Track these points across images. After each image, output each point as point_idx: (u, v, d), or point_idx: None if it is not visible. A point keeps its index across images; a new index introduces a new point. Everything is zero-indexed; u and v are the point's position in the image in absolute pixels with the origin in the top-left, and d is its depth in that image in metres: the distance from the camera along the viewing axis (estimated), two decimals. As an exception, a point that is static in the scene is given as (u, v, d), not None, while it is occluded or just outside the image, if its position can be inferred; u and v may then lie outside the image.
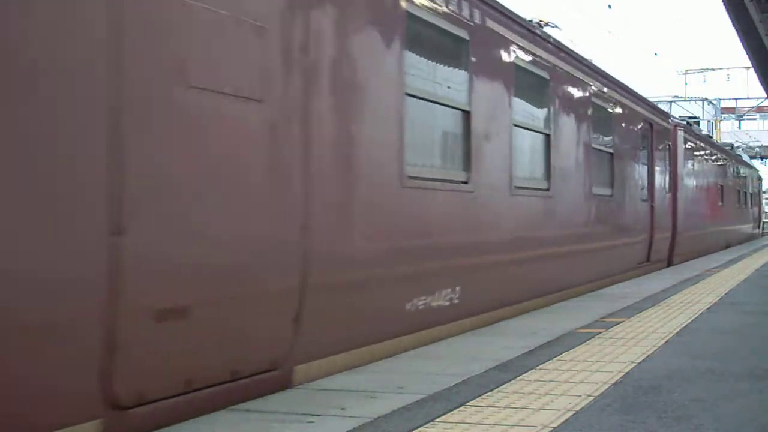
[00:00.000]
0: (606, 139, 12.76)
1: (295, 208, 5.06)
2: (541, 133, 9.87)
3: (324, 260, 5.35)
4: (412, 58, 6.76)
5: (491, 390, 4.81)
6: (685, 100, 52.22)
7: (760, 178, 40.72)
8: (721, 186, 25.67)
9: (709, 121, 53.79)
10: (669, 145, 17.82)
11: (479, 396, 4.66)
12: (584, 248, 11.40)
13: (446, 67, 7.61)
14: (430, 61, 7.24)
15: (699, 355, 5.95)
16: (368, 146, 6.03)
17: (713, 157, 24.24)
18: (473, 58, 7.82)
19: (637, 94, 15.42)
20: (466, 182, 7.65)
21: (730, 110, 58.79)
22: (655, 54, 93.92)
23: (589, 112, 11.74)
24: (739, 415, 4.19)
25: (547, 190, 9.88)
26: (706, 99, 56.09)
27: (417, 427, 3.99)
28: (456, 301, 7.33)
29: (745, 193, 32.66)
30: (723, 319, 7.96)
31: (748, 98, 56.18)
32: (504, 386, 4.91)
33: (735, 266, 16.18)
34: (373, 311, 6.10)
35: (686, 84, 57.93)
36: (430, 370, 5.43)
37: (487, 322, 7.86)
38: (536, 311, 8.93)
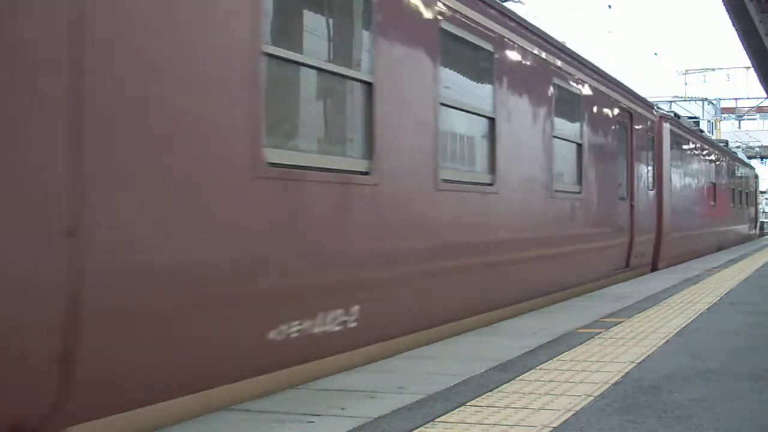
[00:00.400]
0: (572, 127, 11.16)
1: (53, 207, 3.65)
2: (482, 116, 8.27)
3: (113, 277, 3.91)
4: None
5: (491, 390, 4.81)
6: (685, 100, 52.23)
7: (756, 177, 38.96)
8: (714, 184, 23.91)
9: (709, 121, 53.80)
10: (653, 138, 16.31)
11: (479, 396, 4.66)
12: (541, 254, 9.68)
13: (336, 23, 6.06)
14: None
15: (699, 355, 5.94)
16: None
17: (705, 153, 22.73)
18: (378, 17, 6.22)
19: (615, 79, 13.76)
20: (367, 173, 6.03)
21: (730, 110, 58.81)
22: (655, 54, 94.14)
23: (550, 94, 10.11)
24: (739, 415, 4.19)
25: (491, 185, 8.29)
26: (706, 99, 56.12)
27: (417, 427, 3.99)
28: (352, 325, 5.78)
29: (741, 192, 30.82)
30: (723, 319, 7.96)
31: (748, 98, 56.21)
32: (504, 386, 4.91)
33: (735, 266, 16.18)
34: (211, 343, 4.56)
35: (686, 84, 58.00)
36: (430, 370, 5.43)
37: (398, 349, 6.38)
38: (536, 311, 8.92)
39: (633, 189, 14.21)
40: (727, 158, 27.59)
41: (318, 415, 4.27)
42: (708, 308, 8.82)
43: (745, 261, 18.05)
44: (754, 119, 61.95)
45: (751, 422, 4.06)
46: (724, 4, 18.92)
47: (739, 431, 3.92)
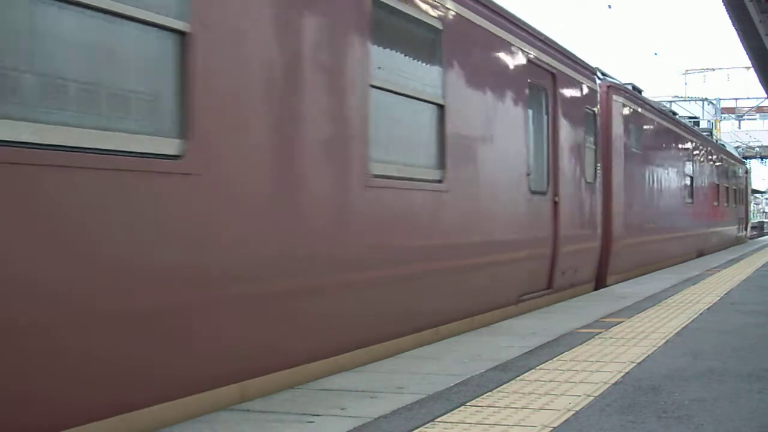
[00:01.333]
0: (421, 78, 7.14)
1: None
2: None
3: None
4: None
5: (491, 390, 4.81)
6: (685, 100, 52.25)
7: (747, 172, 34.56)
8: (692, 178, 19.91)
9: (709, 121, 53.81)
10: (594, 113, 12.10)
11: (479, 396, 4.66)
12: (311, 285, 5.58)
13: None
14: None
15: (699, 355, 5.94)
16: None
17: (678, 140, 18.76)
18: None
19: (524, 22, 9.47)
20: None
21: (730, 110, 58.85)
22: (655, 54, 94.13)
23: (366, 21, 6.19)
24: (739, 415, 4.18)
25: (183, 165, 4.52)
26: (706, 99, 56.13)
27: (417, 427, 3.99)
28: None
29: (728, 188, 26.48)
30: (723, 319, 7.96)
31: (748, 98, 56.25)
32: (504, 386, 4.91)
33: (735, 266, 16.17)
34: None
35: (686, 84, 58.08)
36: (430, 370, 5.43)
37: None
38: (536, 311, 8.91)
39: (556, 180, 10.35)
40: (711, 149, 23.76)
41: (318, 415, 4.27)
42: (708, 308, 8.82)
43: (745, 261, 18.04)
44: (754, 119, 61.98)
45: (751, 422, 4.06)
46: (724, 5, 18.94)
47: (739, 431, 3.92)
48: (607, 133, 13.13)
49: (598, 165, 12.36)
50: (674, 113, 21.17)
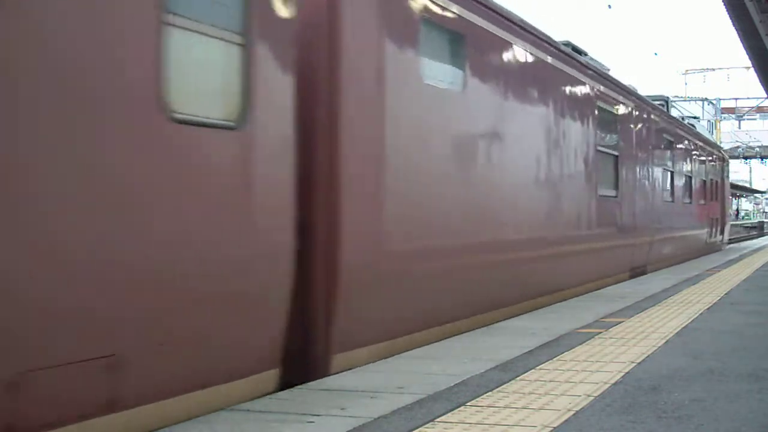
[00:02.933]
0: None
1: None
2: None
3: None
4: None
5: (491, 390, 4.81)
6: (685, 100, 52.28)
7: (724, 160, 26.01)
8: (616, 158, 13.14)
9: (709, 121, 53.84)
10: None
11: (479, 396, 4.66)
12: None
13: None
14: None
15: (699, 355, 5.94)
16: None
17: (585, 104, 11.67)
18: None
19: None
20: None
21: (730, 110, 58.92)
22: (655, 54, 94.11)
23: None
24: (739, 415, 4.19)
25: None
26: (706, 99, 56.19)
27: (417, 427, 3.99)
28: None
29: (692, 179, 19.69)
30: (723, 319, 7.96)
31: (748, 98, 56.30)
32: (504, 386, 4.91)
33: (735, 266, 16.18)
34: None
35: (686, 84, 58.16)
36: (430, 370, 5.43)
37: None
38: (535, 311, 8.91)
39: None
40: (665, 120, 17.34)
41: (318, 415, 4.27)
42: (708, 308, 8.82)
43: (745, 261, 18.04)
44: (754, 119, 62.03)
45: (751, 422, 4.06)
46: (724, 4, 18.94)
47: (739, 431, 3.92)
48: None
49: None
50: (580, 52, 12.30)
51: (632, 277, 13.93)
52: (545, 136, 10.01)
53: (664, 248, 16.65)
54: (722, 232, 24.96)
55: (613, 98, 13.27)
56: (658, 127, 16.33)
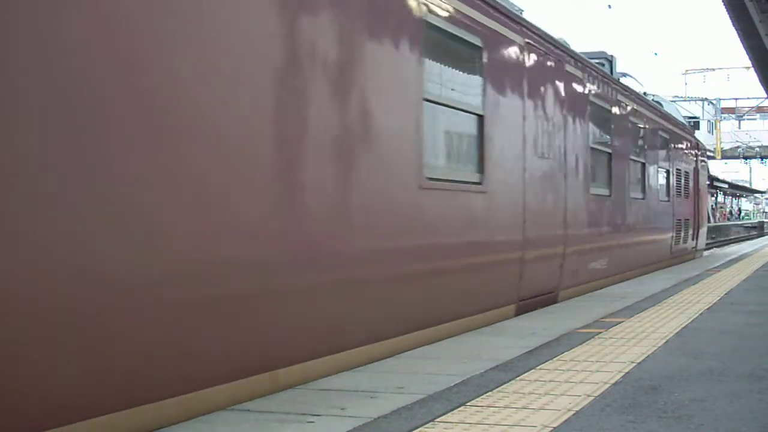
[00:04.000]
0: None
1: None
2: None
3: None
4: None
5: (491, 390, 4.81)
6: (685, 100, 52.29)
7: (698, 147, 21.28)
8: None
9: (709, 121, 53.85)
10: None
11: (479, 396, 4.66)
12: None
13: None
14: None
15: (699, 355, 5.94)
16: None
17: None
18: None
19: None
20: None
21: (730, 110, 58.93)
22: (655, 54, 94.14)
23: None
24: (739, 415, 4.19)
25: None
26: (706, 99, 56.20)
27: (417, 427, 3.99)
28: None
29: (657, 171, 15.85)
30: (723, 319, 7.96)
31: (748, 98, 56.33)
32: (504, 386, 4.91)
33: (735, 266, 16.18)
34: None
35: (686, 84, 58.18)
36: (430, 370, 5.43)
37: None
38: (536, 311, 8.91)
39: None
40: (617, 92, 13.23)
41: (318, 415, 4.27)
42: (708, 308, 8.82)
43: (745, 261, 18.04)
44: (754, 119, 62.06)
45: (751, 422, 4.06)
46: (724, 4, 18.94)
47: (739, 431, 3.92)
48: None
49: None
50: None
51: (524, 311, 8.87)
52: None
53: (594, 261, 11.90)
54: (696, 237, 20.39)
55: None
56: (584, 91, 11.30)
